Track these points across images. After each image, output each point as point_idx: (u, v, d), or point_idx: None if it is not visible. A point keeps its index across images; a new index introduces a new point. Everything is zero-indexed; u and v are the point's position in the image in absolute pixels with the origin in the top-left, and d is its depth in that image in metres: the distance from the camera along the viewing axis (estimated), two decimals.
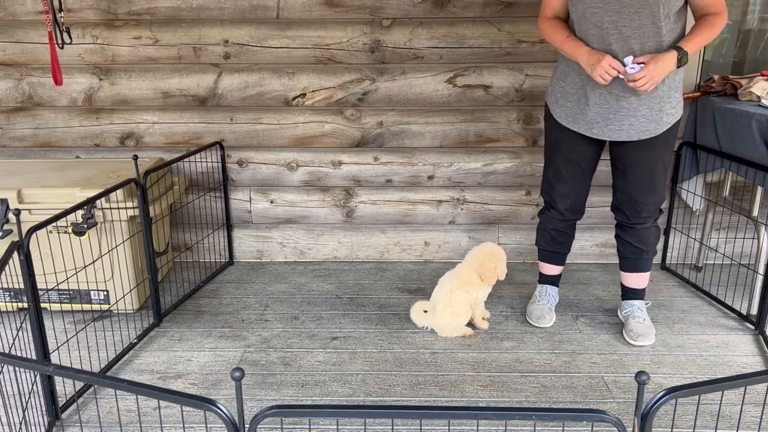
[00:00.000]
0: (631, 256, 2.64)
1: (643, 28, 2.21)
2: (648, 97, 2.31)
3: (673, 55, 2.19)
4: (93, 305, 2.85)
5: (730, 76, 2.94)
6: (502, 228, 3.42)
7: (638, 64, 2.21)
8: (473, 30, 3.10)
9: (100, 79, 3.23)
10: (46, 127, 3.31)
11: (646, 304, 2.77)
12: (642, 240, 2.58)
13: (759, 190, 2.82)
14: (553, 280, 2.85)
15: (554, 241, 2.74)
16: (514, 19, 3.08)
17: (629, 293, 2.72)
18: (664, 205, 3.31)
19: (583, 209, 2.68)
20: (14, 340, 2.49)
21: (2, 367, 1.74)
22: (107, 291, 2.83)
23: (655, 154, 2.42)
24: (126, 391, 1.39)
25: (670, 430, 2.10)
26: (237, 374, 1.31)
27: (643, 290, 2.72)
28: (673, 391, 1.33)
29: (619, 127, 2.37)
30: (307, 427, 2.14)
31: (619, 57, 2.25)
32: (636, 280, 2.69)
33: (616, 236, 2.66)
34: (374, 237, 3.45)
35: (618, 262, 2.73)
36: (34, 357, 2.16)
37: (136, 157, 2.62)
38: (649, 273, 2.69)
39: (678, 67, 2.23)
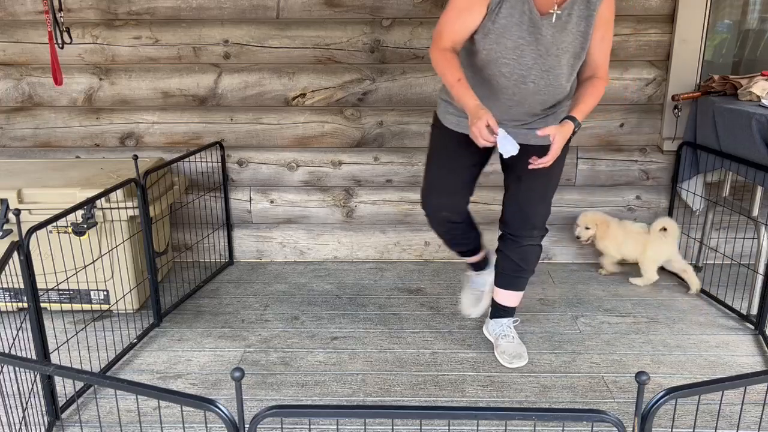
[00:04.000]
0: (510, 273, 2.50)
1: (550, 87, 2.14)
2: (546, 109, 2.23)
3: (570, 127, 2.11)
4: (93, 305, 2.85)
5: (730, 76, 2.94)
6: None
7: (541, 135, 2.09)
8: None
9: (100, 79, 3.23)
10: (46, 127, 3.31)
11: (515, 322, 2.63)
12: (524, 257, 2.45)
13: (759, 190, 2.82)
14: (474, 266, 2.71)
15: (452, 243, 2.60)
16: None
17: (500, 311, 2.59)
18: (664, 205, 3.32)
19: (463, 217, 2.51)
20: (14, 340, 2.49)
21: (2, 367, 1.74)
22: (107, 291, 2.83)
23: (551, 164, 2.27)
24: (126, 391, 1.39)
25: (670, 430, 2.10)
26: (237, 374, 1.31)
27: (515, 308, 2.61)
28: (673, 391, 1.33)
29: (517, 130, 2.22)
30: (307, 427, 2.14)
31: (521, 109, 2.16)
32: (511, 298, 2.56)
33: (498, 250, 2.51)
34: (374, 237, 3.45)
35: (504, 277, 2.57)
36: (34, 357, 2.16)
37: (136, 157, 2.62)
38: (523, 292, 2.58)
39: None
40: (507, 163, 2.38)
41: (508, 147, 2.02)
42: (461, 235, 2.57)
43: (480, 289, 2.73)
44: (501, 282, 2.55)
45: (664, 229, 3.08)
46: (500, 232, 2.50)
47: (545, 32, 2.04)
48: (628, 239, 3.14)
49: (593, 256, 3.43)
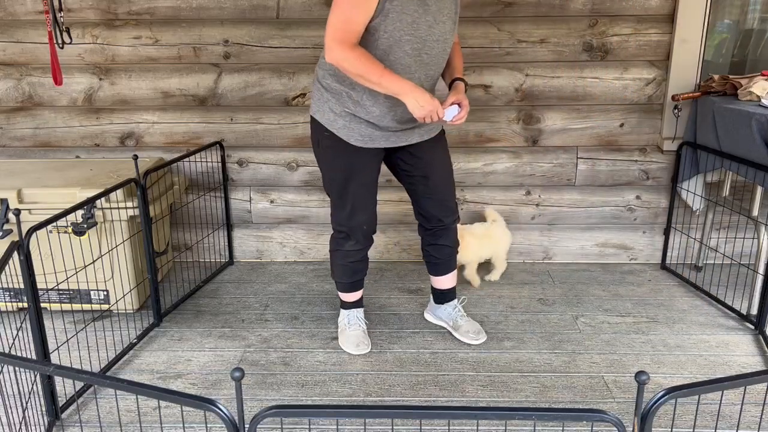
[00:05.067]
0: (447, 258, 2.62)
1: (438, 56, 2.24)
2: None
3: (463, 86, 2.33)
4: (93, 305, 2.85)
5: (730, 76, 2.94)
6: None
7: (454, 105, 2.25)
8: (473, 30, 3.10)
9: (100, 79, 3.23)
10: (46, 127, 3.31)
11: (462, 301, 2.78)
12: (453, 238, 2.61)
13: (759, 190, 2.82)
14: (359, 304, 2.71)
15: (355, 272, 2.60)
16: (514, 19, 3.08)
17: (446, 296, 2.70)
18: (664, 205, 3.32)
19: (376, 230, 2.56)
20: (14, 340, 2.49)
21: (2, 367, 1.74)
22: (107, 291, 2.83)
23: (442, 149, 2.50)
24: (126, 391, 1.39)
25: (670, 430, 2.10)
26: (237, 374, 1.31)
27: (455, 288, 2.73)
28: (673, 391, 1.33)
29: (411, 129, 2.36)
30: (307, 427, 2.14)
31: (421, 84, 2.22)
32: (450, 280, 2.69)
33: (430, 245, 2.60)
34: (374, 237, 3.44)
35: (429, 267, 2.69)
36: (34, 357, 2.16)
37: (136, 157, 2.62)
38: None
39: None
40: (404, 170, 2.49)
41: (452, 112, 2.25)
42: (366, 259, 2.61)
43: (365, 326, 2.71)
44: (439, 270, 2.66)
45: (494, 220, 3.21)
46: (425, 229, 2.60)
47: (430, 3, 2.15)
48: (482, 242, 3.11)
49: (593, 256, 3.43)
